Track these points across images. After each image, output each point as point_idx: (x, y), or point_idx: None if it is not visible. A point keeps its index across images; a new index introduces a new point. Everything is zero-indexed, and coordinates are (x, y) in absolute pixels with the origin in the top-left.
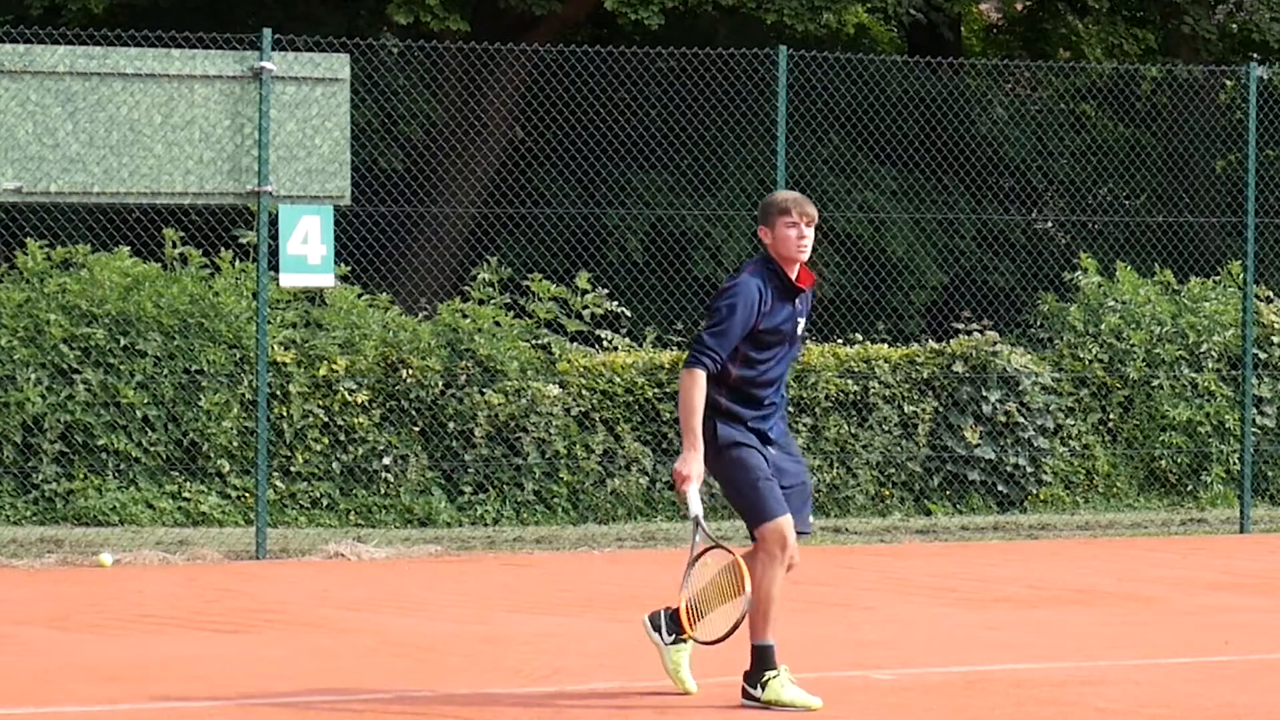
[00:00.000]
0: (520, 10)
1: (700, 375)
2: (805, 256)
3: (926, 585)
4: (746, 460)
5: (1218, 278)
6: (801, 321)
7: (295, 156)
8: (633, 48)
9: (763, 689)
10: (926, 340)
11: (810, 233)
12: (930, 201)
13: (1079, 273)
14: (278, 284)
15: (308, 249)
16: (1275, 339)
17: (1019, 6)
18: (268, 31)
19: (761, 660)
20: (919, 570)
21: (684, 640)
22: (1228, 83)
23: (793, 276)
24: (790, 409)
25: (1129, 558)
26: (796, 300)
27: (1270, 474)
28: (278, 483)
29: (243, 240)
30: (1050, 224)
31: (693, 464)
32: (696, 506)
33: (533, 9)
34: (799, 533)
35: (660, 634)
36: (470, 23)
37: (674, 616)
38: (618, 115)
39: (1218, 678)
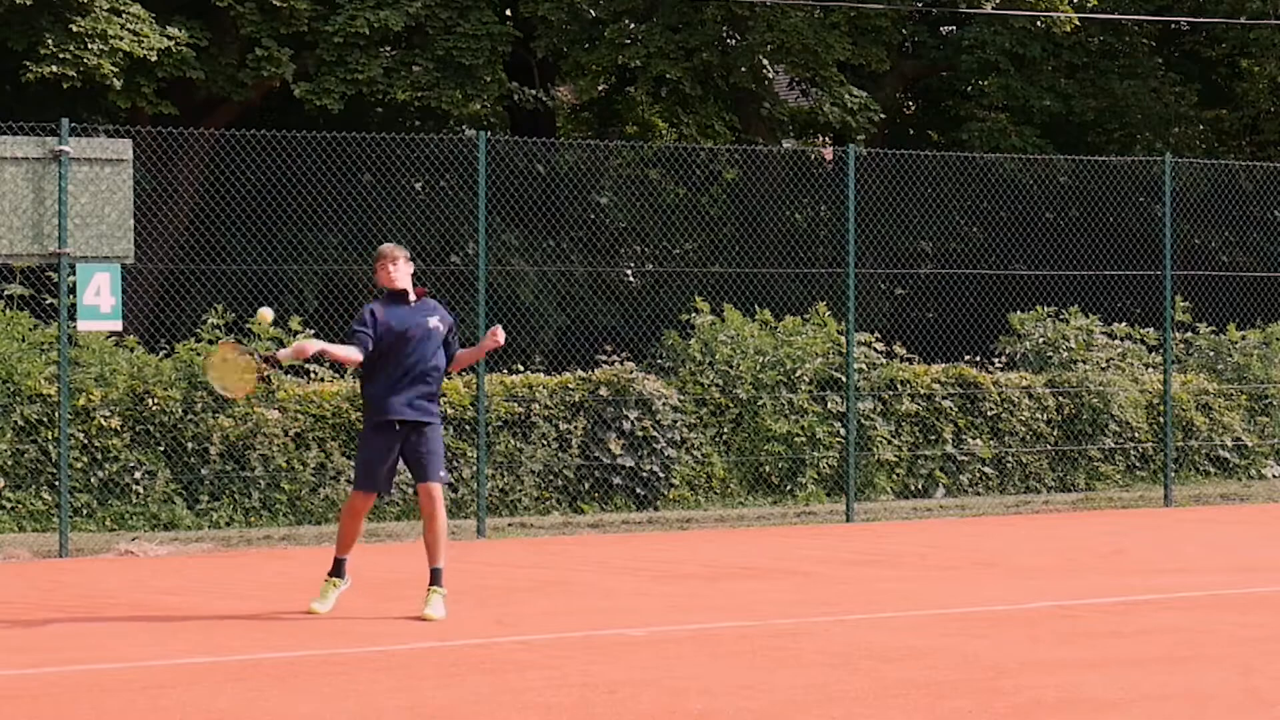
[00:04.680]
0: (213, 92)
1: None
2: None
3: (622, 567)
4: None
5: (807, 316)
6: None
7: (88, 224)
8: (301, 131)
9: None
10: (576, 370)
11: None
12: (549, 257)
13: (694, 314)
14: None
15: (100, 300)
16: (856, 366)
17: (599, 89)
18: (65, 121)
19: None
20: (608, 556)
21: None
22: (826, 155)
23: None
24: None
25: (770, 541)
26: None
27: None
28: (45, 494)
29: (8, 292)
30: (633, 277)
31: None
32: (285, 352)
33: (230, 94)
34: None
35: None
36: (175, 102)
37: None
38: (295, 185)
39: (897, 630)
